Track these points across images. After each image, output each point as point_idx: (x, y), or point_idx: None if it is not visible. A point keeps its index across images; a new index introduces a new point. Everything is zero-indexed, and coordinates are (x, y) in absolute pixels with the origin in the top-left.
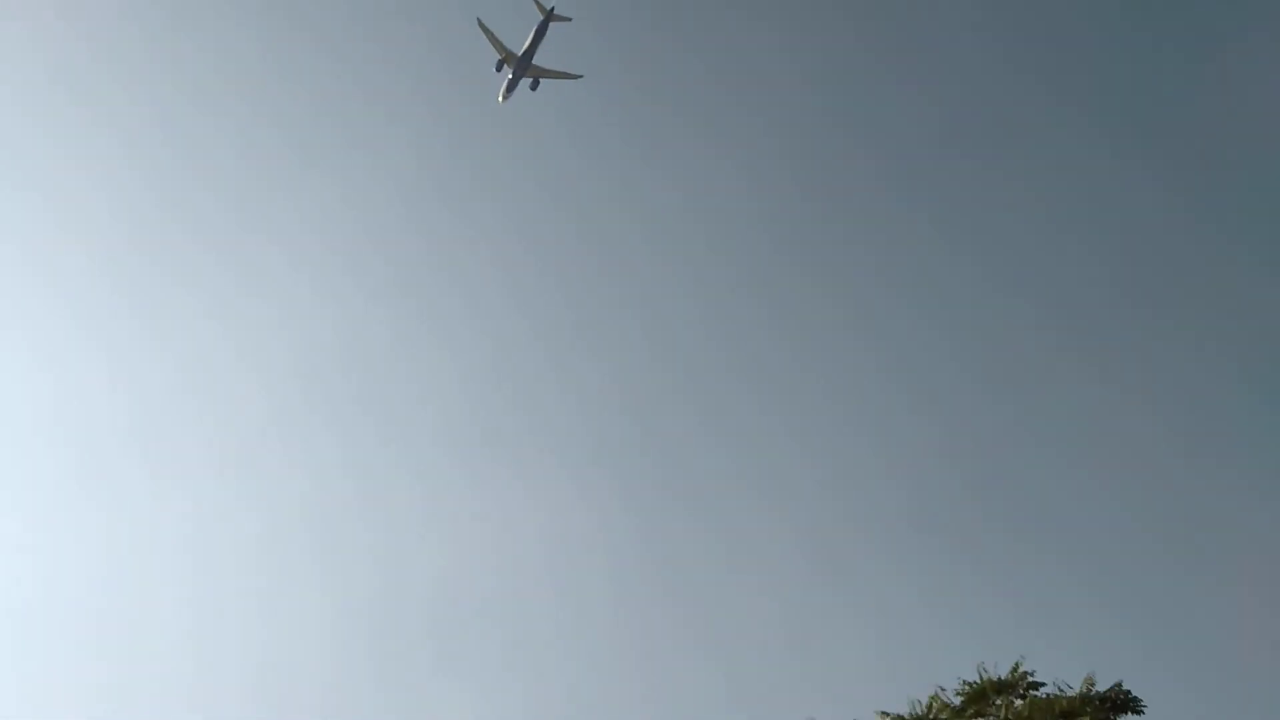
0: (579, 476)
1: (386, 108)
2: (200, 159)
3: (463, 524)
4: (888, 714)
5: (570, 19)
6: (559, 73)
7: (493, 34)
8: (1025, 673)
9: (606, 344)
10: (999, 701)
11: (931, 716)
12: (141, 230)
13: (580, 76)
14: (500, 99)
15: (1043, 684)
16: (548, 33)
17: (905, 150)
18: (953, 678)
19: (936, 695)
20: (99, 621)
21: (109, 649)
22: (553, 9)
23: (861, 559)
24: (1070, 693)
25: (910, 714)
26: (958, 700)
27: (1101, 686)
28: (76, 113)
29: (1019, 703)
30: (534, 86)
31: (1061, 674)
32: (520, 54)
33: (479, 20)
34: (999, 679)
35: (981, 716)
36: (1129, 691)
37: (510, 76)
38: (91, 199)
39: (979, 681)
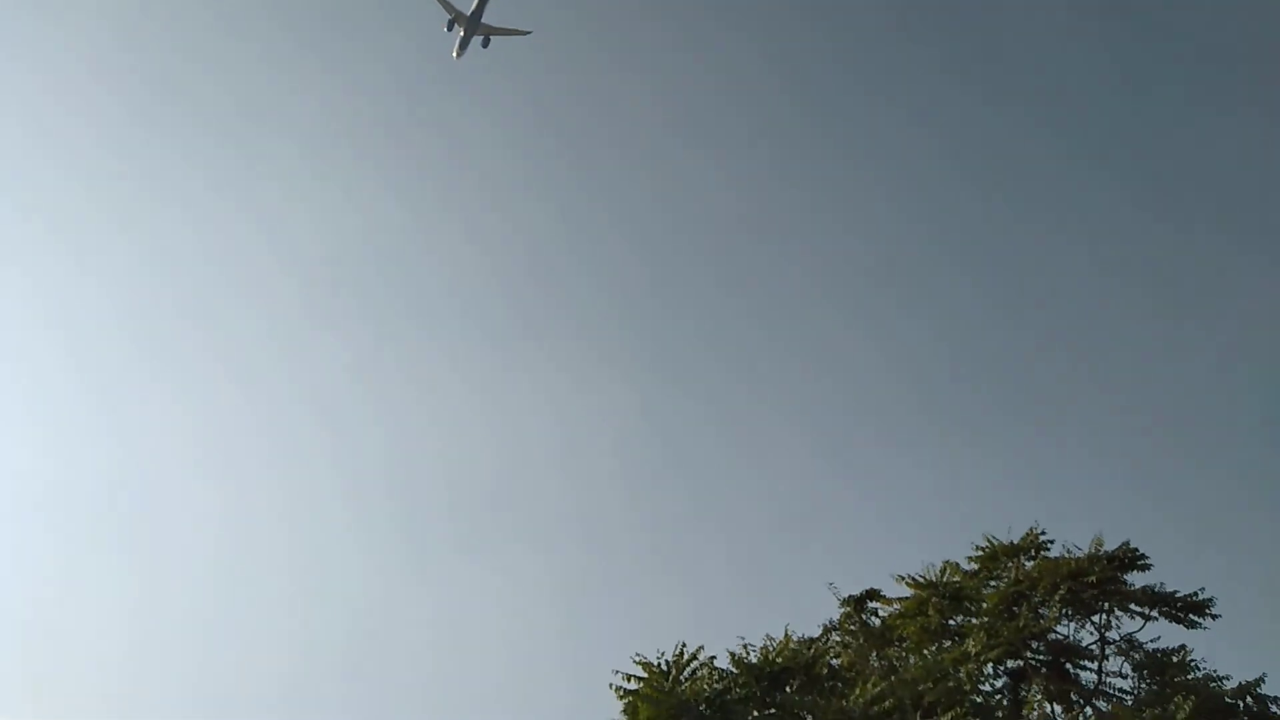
0: (574, 365)
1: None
2: (191, 76)
3: (468, 417)
4: (904, 577)
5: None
6: (508, 30)
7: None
8: (1037, 534)
9: (595, 243)
10: (1009, 564)
11: (944, 579)
12: (130, 148)
13: (529, 33)
14: (455, 55)
15: (1051, 541)
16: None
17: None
18: (968, 545)
19: (949, 561)
20: (133, 521)
21: (140, 547)
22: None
23: (870, 437)
24: (1079, 554)
25: (924, 577)
26: (971, 565)
27: (1110, 547)
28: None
29: (1029, 564)
30: (485, 44)
31: (1075, 538)
32: (469, 14)
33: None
34: (1010, 543)
35: (993, 578)
36: (1136, 549)
37: (462, 35)
38: (78, 122)
39: (990, 546)
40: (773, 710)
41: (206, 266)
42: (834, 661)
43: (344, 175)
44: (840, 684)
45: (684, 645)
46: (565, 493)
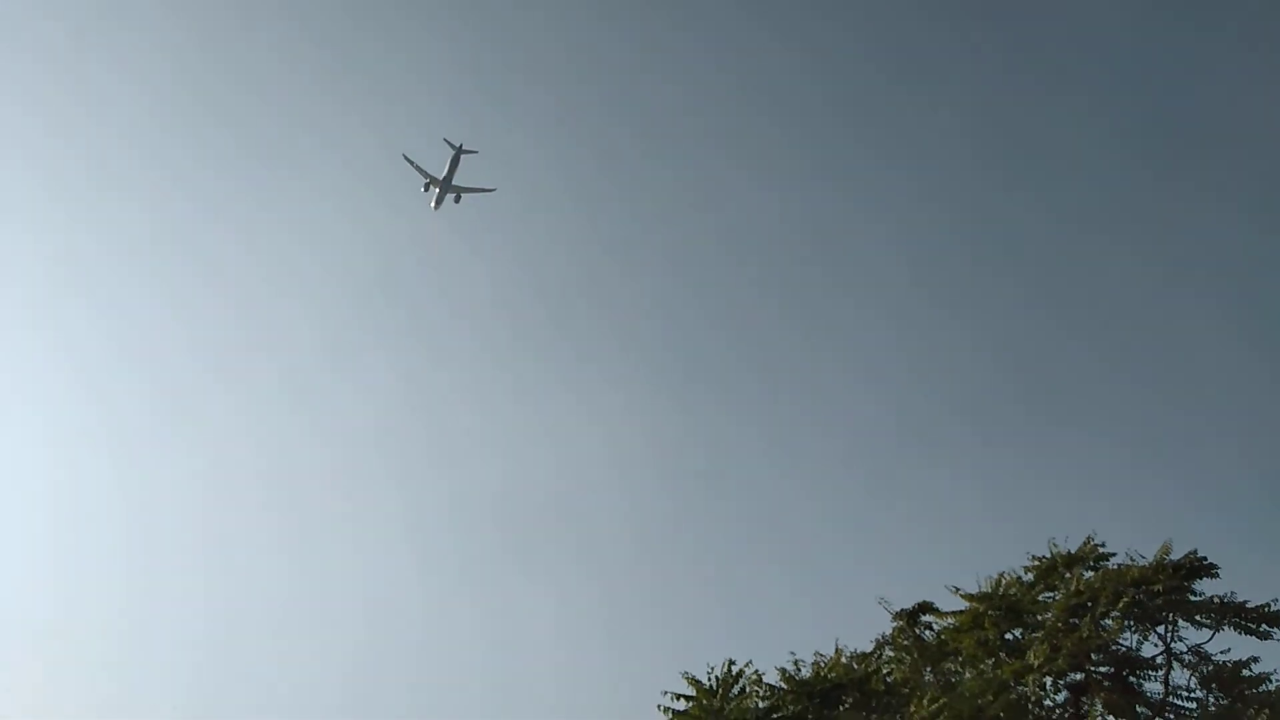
0: (623, 384)
1: None
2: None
3: (518, 435)
4: (959, 589)
5: (476, 151)
6: (476, 189)
7: (416, 164)
8: (1096, 545)
9: (638, 260)
10: (1069, 574)
11: (1000, 592)
12: (182, 182)
13: (494, 190)
14: (433, 208)
15: (1113, 554)
16: (461, 161)
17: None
18: (1023, 555)
19: (1005, 573)
20: (196, 545)
21: (202, 565)
22: (461, 145)
23: (916, 446)
24: (1143, 562)
25: (980, 590)
26: (1028, 576)
27: (1177, 555)
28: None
29: (1089, 574)
30: (457, 199)
31: (1140, 548)
32: (442, 179)
33: (404, 155)
34: (1069, 553)
35: (1051, 589)
36: (1204, 558)
37: (437, 194)
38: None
39: (1049, 556)
40: None
41: (260, 285)
42: (888, 678)
43: (387, 190)
44: (895, 700)
45: (731, 662)
46: (613, 509)
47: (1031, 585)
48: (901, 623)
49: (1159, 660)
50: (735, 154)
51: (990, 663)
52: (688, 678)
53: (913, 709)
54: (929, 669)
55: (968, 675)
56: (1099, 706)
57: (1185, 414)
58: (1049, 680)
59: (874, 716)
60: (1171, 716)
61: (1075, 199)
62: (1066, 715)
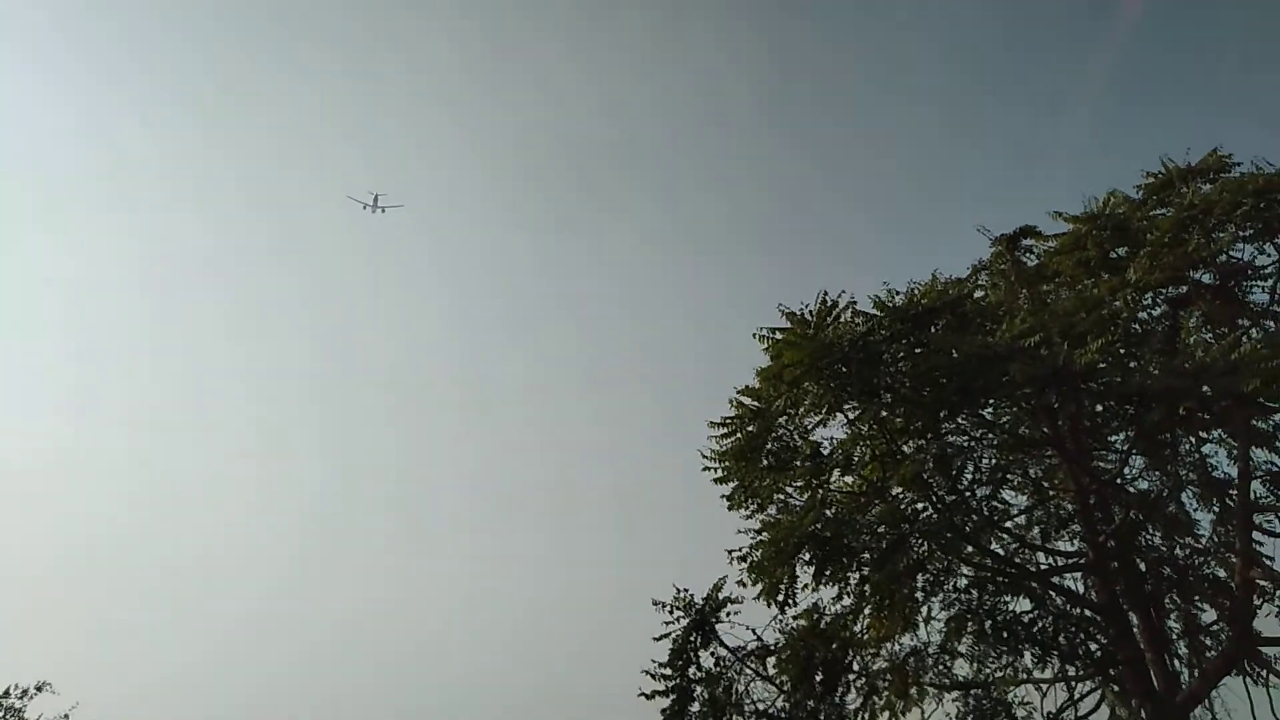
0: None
1: None
2: None
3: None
4: (1061, 214)
5: (386, 193)
6: (393, 205)
7: (353, 198)
8: (1221, 157)
9: None
10: (1184, 189)
11: (1107, 212)
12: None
13: (402, 205)
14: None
15: (1238, 164)
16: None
17: None
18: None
19: (1114, 192)
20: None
21: None
22: (376, 194)
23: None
24: (1269, 169)
25: (1085, 212)
26: (1140, 195)
27: None
28: None
29: (1206, 187)
30: (383, 212)
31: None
32: (372, 203)
33: (347, 195)
34: (1188, 165)
35: (1164, 206)
36: None
37: (370, 210)
38: None
39: (1165, 171)
40: (918, 349)
41: None
42: (982, 301)
43: None
44: (987, 322)
45: (825, 293)
46: (697, 150)
47: (1143, 203)
48: (1000, 248)
49: (1269, 270)
50: None
51: (1089, 282)
52: (783, 310)
53: (1004, 328)
54: (1025, 292)
55: (1064, 295)
56: (1196, 318)
57: None
58: (1149, 296)
59: (965, 337)
60: (1271, 324)
61: None
62: (1162, 328)
